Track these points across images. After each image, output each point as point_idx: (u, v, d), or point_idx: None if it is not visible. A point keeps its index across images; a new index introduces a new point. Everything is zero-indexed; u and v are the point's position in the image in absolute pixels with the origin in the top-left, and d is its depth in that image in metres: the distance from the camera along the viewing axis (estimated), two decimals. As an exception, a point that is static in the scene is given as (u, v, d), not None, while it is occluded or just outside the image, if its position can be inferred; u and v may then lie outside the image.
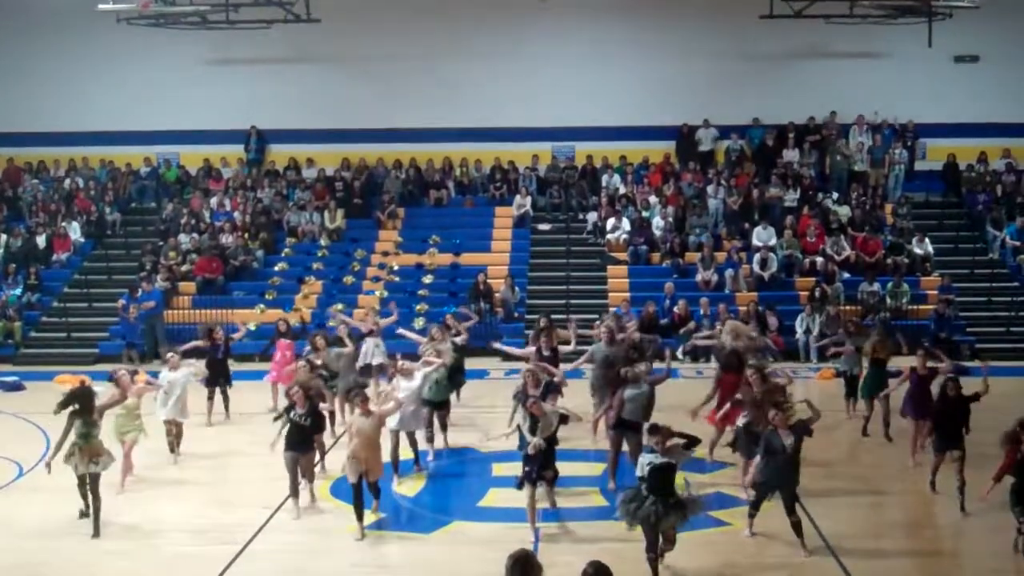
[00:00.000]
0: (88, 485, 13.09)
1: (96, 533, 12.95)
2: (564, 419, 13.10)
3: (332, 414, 16.43)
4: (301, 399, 13.75)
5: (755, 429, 13.65)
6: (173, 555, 12.60)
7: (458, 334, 19.60)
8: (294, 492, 13.76)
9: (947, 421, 13.98)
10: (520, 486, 12.73)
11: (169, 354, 17.38)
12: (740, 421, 14.25)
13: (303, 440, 13.77)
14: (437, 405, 16.61)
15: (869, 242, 27.57)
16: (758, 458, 12.66)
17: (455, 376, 18.04)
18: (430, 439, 16.45)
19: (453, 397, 19.12)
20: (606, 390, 15.97)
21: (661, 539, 11.29)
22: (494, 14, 30.06)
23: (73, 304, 27.38)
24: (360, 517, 12.89)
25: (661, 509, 11.15)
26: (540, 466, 12.59)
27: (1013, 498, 11.92)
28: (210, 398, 18.96)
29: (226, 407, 19.13)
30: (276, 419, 14.26)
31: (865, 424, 17.54)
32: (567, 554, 11.46)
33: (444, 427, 17.08)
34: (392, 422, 14.75)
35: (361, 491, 12.89)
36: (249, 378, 20.28)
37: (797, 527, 12.34)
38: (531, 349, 17.85)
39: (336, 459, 14.85)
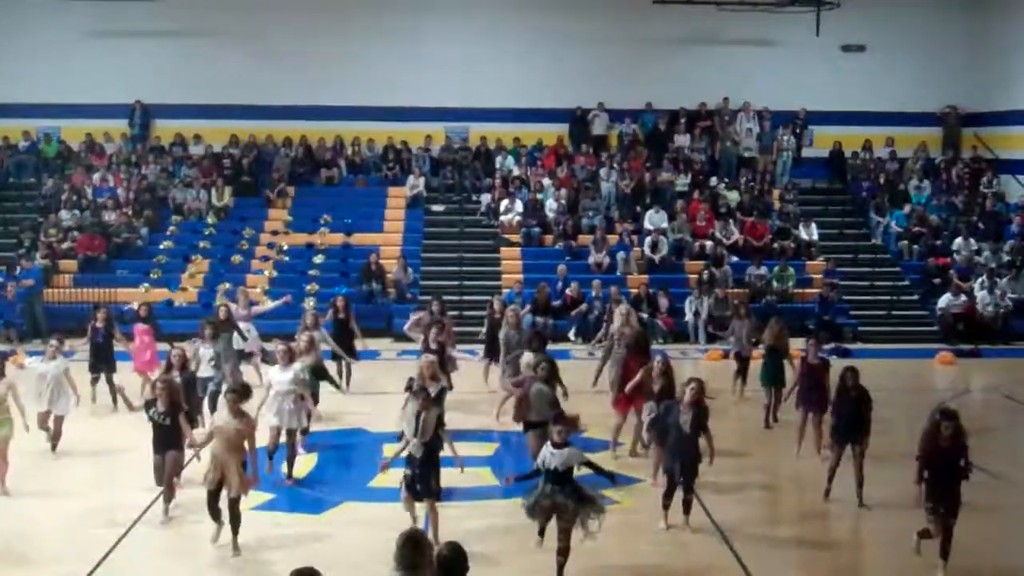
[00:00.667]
0: None
1: None
2: (441, 423, 12.21)
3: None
4: (163, 396, 12.68)
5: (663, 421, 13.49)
6: (55, 538, 12.22)
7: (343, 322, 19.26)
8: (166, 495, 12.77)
9: (846, 412, 13.34)
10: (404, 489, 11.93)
11: (51, 342, 16.05)
12: (646, 416, 14.12)
13: (166, 440, 12.74)
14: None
15: (757, 226, 28.05)
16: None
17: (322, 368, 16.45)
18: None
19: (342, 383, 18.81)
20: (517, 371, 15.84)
21: (559, 542, 10.81)
22: (388, -9, 29.83)
23: (-53, 282, 26.42)
24: (218, 525, 11.82)
25: (560, 500, 10.75)
26: (421, 475, 11.71)
27: (928, 490, 11.20)
28: (93, 383, 18.06)
29: (112, 396, 18.02)
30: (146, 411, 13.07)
31: (766, 415, 17.24)
32: (457, 535, 11.36)
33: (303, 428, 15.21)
34: (271, 417, 14.17)
35: (216, 501, 11.68)
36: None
37: (687, 504, 12.44)
38: (419, 337, 17.56)
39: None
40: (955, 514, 11.04)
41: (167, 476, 12.70)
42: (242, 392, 12.03)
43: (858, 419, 13.29)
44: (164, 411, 12.65)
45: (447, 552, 7.30)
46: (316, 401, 16.04)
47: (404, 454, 11.83)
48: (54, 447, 15.41)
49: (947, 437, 10.97)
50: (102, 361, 18.20)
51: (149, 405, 12.84)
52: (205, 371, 16.41)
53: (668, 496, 12.49)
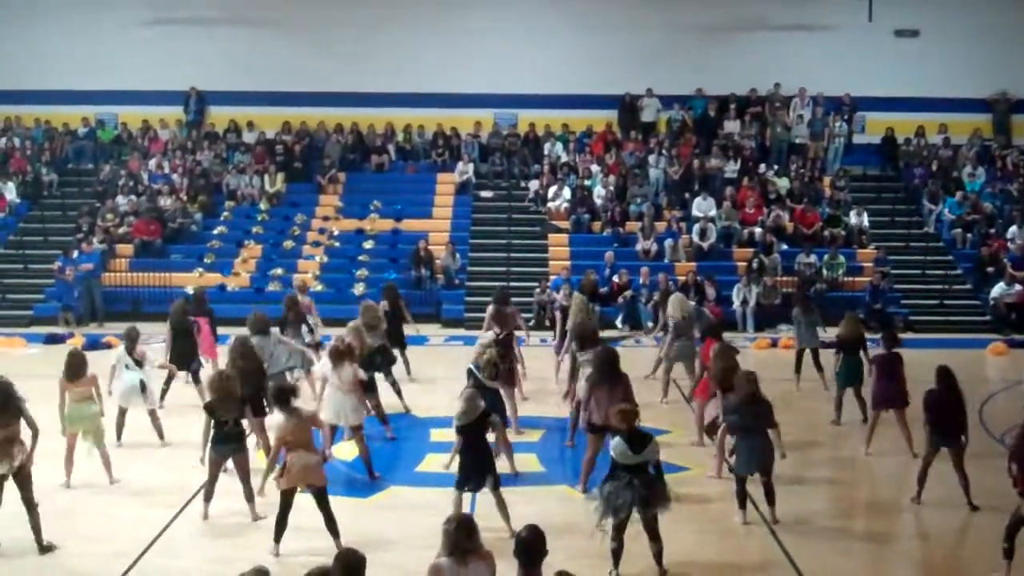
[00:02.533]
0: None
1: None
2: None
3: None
4: (226, 396, 12.36)
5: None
6: (112, 518, 12.53)
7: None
8: (208, 495, 12.43)
9: (949, 414, 12.73)
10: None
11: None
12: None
13: (235, 439, 12.42)
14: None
15: (807, 214, 27.89)
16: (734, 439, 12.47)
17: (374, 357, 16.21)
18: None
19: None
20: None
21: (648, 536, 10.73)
22: (439, -22, 29.96)
23: (8, 266, 27.02)
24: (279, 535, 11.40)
25: (638, 494, 10.46)
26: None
27: None
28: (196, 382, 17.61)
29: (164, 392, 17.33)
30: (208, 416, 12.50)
31: (838, 415, 16.66)
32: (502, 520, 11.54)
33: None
34: (327, 414, 13.75)
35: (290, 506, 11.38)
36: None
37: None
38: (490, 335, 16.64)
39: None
40: None
41: (241, 477, 12.44)
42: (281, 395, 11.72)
43: (959, 421, 12.86)
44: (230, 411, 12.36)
45: (527, 534, 7.48)
46: (372, 389, 15.86)
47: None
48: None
49: None
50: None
51: (214, 408, 12.33)
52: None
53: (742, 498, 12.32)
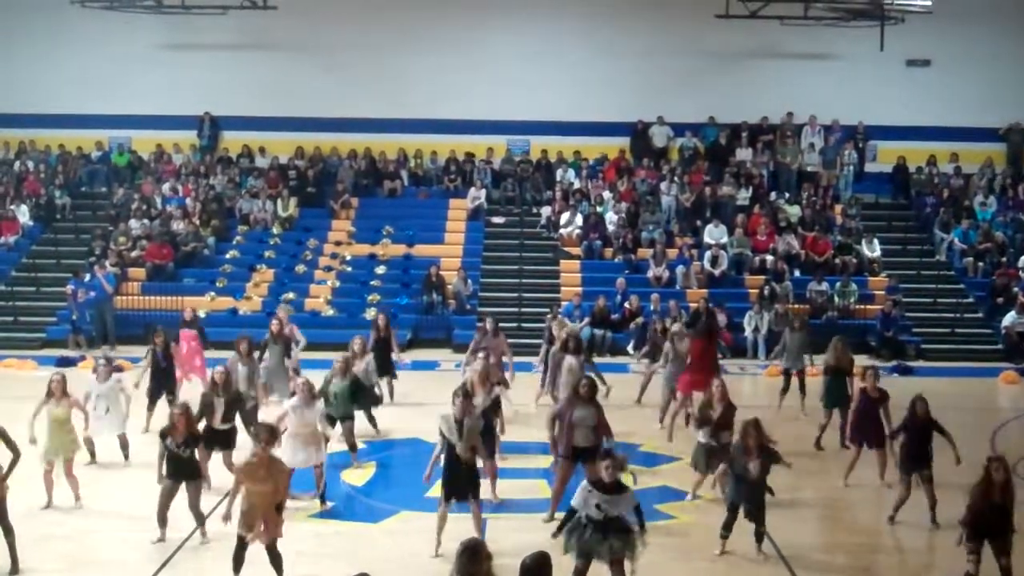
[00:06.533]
0: None
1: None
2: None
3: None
4: (180, 427, 12.05)
5: (714, 445, 13.58)
6: (117, 542, 12.52)
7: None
8: (162, 520, 12.34)
9: (916, 441, 13.17)
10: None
11: (100, 361, 15.99)
12: (700, 438, 13.89)
13: (184, 470, 12.18)
14: (339, 419, 15.27)
15: (819, 242, 27.86)
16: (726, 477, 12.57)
17: (361, 391, 16.30)
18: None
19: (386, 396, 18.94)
20: None
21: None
22: (452, 6, 30.01)
23: (21, 288, 27.07)
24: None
25: (599, 537, 10.40)
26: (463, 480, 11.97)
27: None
28: (150, 408, 17.20)
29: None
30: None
31: (820, 436, 16.74)
32: (510, 547, 11.48)
33: (351, 445, 15.37)
34: (295, 460, 13.06)
35: (245, 548, 10.89)
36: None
37: (760, 535, 12.23)
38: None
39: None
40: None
41: (191, 505, 12.37)
42: (269, 433, 11.25)
43: (927, 449, 13.17)
44: (181, 442, 12.07)
45: (530, 560, 7.45)
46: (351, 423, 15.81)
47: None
48: (126, 456, 15.54)
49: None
50: (165, 384, 17.60)
51: (165, 434, 12.14)
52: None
53: (728, 528, 12.23)
